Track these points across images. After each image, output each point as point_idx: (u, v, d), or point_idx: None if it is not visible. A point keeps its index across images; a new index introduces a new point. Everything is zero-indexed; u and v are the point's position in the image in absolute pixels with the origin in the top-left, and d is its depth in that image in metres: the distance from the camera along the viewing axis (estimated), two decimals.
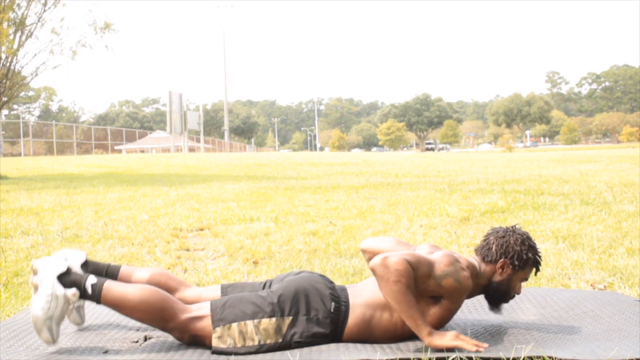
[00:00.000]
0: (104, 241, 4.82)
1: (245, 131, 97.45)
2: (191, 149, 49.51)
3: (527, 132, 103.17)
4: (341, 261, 4.01)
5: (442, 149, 78.65)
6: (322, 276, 2.38)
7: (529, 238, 2.39)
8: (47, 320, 2.14)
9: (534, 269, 2.42)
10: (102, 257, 4.22)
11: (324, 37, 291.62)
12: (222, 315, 2.23)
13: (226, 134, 61.74)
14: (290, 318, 2.23)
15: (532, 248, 2.38)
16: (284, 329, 2.22)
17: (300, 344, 2.21)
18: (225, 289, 2.46)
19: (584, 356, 2.04)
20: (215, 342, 2.20)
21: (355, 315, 2.27)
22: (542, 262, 2.43)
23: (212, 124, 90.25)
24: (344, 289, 2.35)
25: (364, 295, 2.31)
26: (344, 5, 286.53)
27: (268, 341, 2.20)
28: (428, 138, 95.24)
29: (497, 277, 2.38)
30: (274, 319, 2.22)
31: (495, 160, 23.11)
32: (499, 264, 2.36)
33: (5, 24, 14.85)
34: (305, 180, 12.10)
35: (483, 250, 2.41)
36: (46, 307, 2.14)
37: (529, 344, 2.19)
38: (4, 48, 15.19)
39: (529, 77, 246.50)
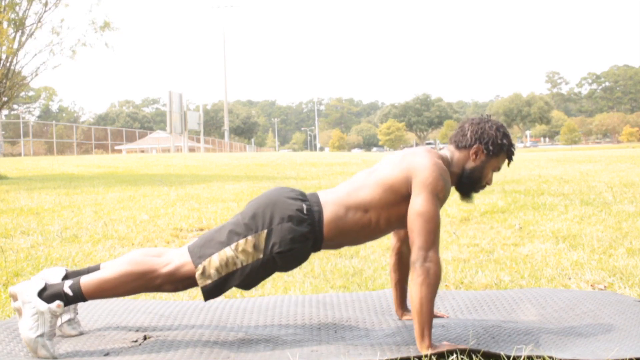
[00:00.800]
0: (104, 241, 4.82)
1: (245, 131, 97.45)
2: (191, 149, 49.51)
3: (527, 132, 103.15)
4: (341, 261, 4.01)
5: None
6: (289, 187, 2.38)
7: (503, 126, 2.40)
8: (39, 339, 2.13)
9: (507, 159, 2.42)
10: (102, 257, 4.22)
11: (324, 37, 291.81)
12: (200, 252, 2.24)
13: (226, 134, 61.74)
14: (265, 231, 2.22)
15: (507, 136, 2.39)
16: (262, 243, 2.21)
17: (282, 254, 2.21)
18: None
19: (584, 356, 2.04)
20: (200, 281, 2.21)
21: (329, 214, 2.27)
22: (515, 152, 2.42)
23: (212, 124, 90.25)
24: (314, 194, 2.36)
25: (337, 194, 2.32)
26: (344, 5, 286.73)
27: (250, 261, 2.21)
28: (428, 138, 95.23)
29: (470, 164, 2.39)
30: (249, 237, 2.22)
31: None
32: (472, 150, 2.37)
33: (5, 24, 14.85)
34: (306, 181, 12.10)
35: (457, 137, 2.41)
36: (34, 325, 2.14)
37: (529, 344, 2.19)
38: (4, 48, 15.19)
39: (529, 77, 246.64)
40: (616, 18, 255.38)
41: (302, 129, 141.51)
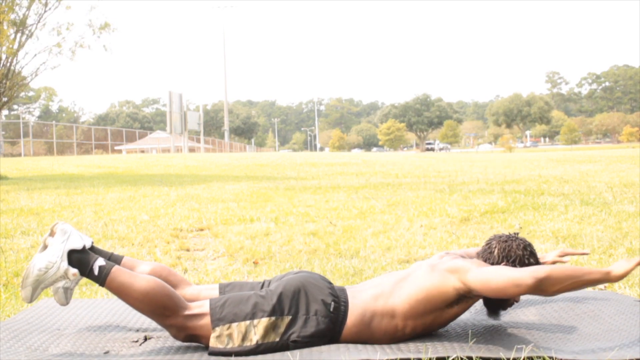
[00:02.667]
0: (104, 241, 4.82)
1: (245, 131, 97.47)
2: (191, 149, 49.51)
3: (527, 133, 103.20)
4: (341, 261, 4.01)
5: (443, 149, 78.61)
6: (321, 276, 2.38)
7: (530, 245, 2.41)
8: (36, 281, 2.16)
9: None
10: None
11: (324, 37, 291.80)
12: (221, 315, 2.22)
13: (226, 134, 61.75)
14: (289, 317, 2.22)
15: (534, 255, 2.39)
16: (282, 328, 2.21)
17: (297, 344, 2.21)
18: (223, 288, 2.46)
19: (584, 356, 2.04)
20: (213, 342, 2.20)
21: (354, 316, 2.27)
22: None
23: (212, 124, 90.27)
24: (343, 290, 2.35)
25: (364, 297, 2.30)
26: (344, 5, 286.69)
27: (265, 341, 2.20)
28: (428, 138, 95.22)
29: None
30: (272, 318, 2.21)
31: (495, 160, 23.11)
32: None
33: (5, 24, 14.85)
34: (305, 181, 12.10)
35: (485, 254, 2.42)
36: (44, 270, 2.17)
37: (529, 344, 2.19)
38: (4, 48, 15.19)
39: (529, 77, 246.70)
40: (616, 18, 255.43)
41: (302, 129, 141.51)
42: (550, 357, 2.03)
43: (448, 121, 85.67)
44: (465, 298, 2.27)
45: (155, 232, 5.21)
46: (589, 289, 3.20)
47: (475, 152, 53.63)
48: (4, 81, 15.36)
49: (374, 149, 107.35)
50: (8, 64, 15.51)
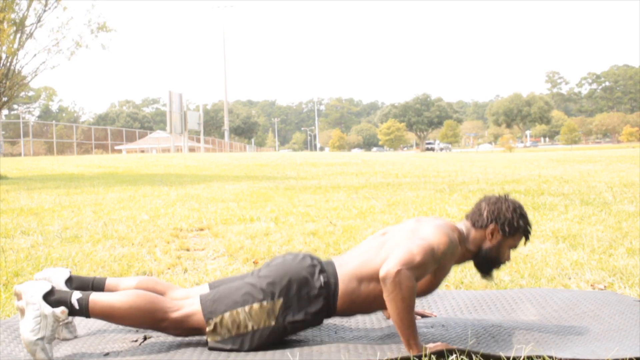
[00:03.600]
0: (104, 241, 4.82)
1: (245, 131, 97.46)
2: (191, 149, 49.50)
3: (527, 132, 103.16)
4: None
5: (443, 149, 78.55)
6: (308, 254, 2.38)
7: (520, 207, 2.41)
8: (39, 341, 2.12)
9: (524, 238, 2.43)
10: (102, 257, 4.22)
11: (324, 37, 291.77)
12: (213, 307, 2.23)
13: (226, 134, 61.74)
14: (282, 300, 2.23)
15: (523, 216, 2.39)
16: (277, 311, 2.22)
17: (294, 324, 2.22)
18: (213, 286, 2.46)
19: (584, 356, 2.04)
20: (209, 335, 2.21)
21: (344, 287, 2.28)
22: (531, 232, 2.43)
23: (212, 124, 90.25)
24: (330, 263, 2.36)
25: (352, 266, 2.31)
26: (344, 5, 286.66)
27: (261, 325, 2.20)
28: (428, 138, 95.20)
29: (487, 243, 2.39)
30: (265, 303, 2.22)
31: (495, 160, 23.11)
32: (489, 230, 2.38)
33: (5, 24, 14.85)
34: (305, 181, 12.10)
35: (474, 216, 2.42)
36: (36, 328, 2.13)
37: (529, 344, 2.19)
38: (4, 48, 15.19)
39: (529, 77, 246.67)
40: (616, 18, 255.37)
41: (302, 129, 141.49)
42: (550, 357, 2.03)
43: (448, 121, 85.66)
44: None
45: (155, 232, 5.21)
46: (589, 289, 3.20)
47: (475, 152, 53.65)
48: (4, 81, 15.36)
49: (374, 148, 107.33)
50: (8, 64, 15.51)
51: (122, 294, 2.24)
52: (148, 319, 2.21)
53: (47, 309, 2.15)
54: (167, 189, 9.83)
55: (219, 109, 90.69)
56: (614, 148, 50.05)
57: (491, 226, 2.37)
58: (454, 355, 2.07)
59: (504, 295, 2.97)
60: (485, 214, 2.39)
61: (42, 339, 2.12)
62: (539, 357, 2.05)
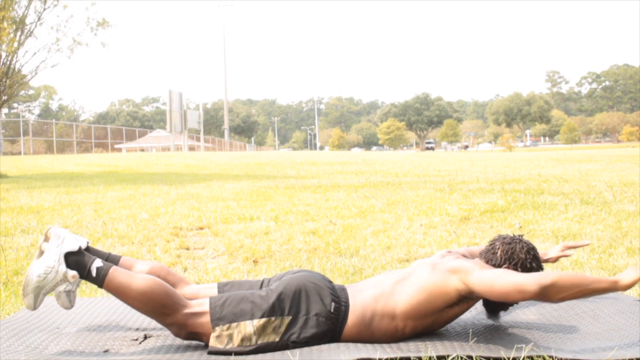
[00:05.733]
0: (104, 240, 4.82)
1: (245, 130, 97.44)
2: (191, 148, 49.49)
3: (527, 132, 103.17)
4: (341, 260, 4.01)
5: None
6: (322, 275, 2.37)
7: (534, 249, 2.41)
8: (37, 288, 2.15)
9: None
10: None
11: (324, 37, 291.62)
12: (221, 314, 2.22)
13: (226, 133, 61.72)
14: (290, 318, 2.22)
15: (536, 259, 2.39)
16: (283, 328, 2.21)
17: (297, 344, 2.21)
18: (222, 287, 2.45)
19: (584, 356, 2.04)
20: (212, 342, 2.20)
21: (355, 317, 2.26)
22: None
23: (212, 123, 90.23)
24: (343, 289, 2.34)
25: (365, 297, 2.29)
26: (344, 5, 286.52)
27: (265, 341, 2.20)
28: (428, 137, 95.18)
29: None
30: (273, 318, 2.21)
31: (495, 159, 23.11)
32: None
33: (5, 23, 14.84)
34: (305, 180, 12.10)
35: (488, 255, 2.42)
36: (42, 275, 2.16)
37: (529, 344, 2.19)
38: (4, 46, 15.19)
39: (529, 76, 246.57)
40: (616, 18, 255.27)
41: (302, 128, 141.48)
42: (550, 357, 2.03)
43: (448, 120, 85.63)
44: (466, 299, 2.27)
45: (155, 231, 5.21)
46: None
47: (476, 152, 53.64)
48: (4, 79, 15.36)
49: (374, 148, 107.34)
50: (8, 62, 15.51)
51: (142, 277, 2.24)
52: (157, 310, 2.21)
53: (62, 267, 2.18)
54: (167, 188, 9.83)
55: (219, 108, 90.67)
56: (613, 147, 50.04)
57: (504, 266, 2.36)
58: (454, 355, 2.07)
59: None
60: (499, 253, 2.39)
61: (41, 287, 2.16)
62: (539, 356, 2.05)
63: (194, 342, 2.32)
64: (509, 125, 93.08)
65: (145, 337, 2.39)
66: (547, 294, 2.10)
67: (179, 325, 2.23)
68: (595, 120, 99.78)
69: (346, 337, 2.26)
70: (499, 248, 2.40)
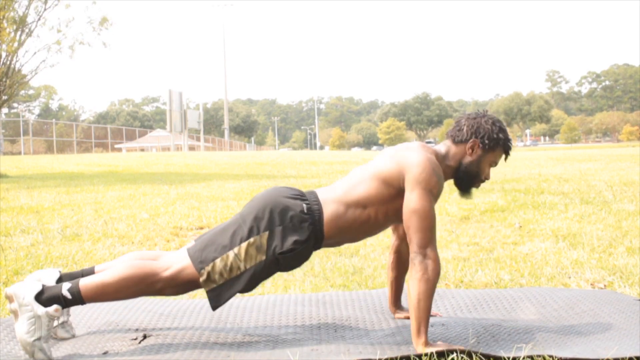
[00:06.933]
0: (104, 239, 4.82)
1: (245, 130, 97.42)
2: (191, 148, 49.48)
3: (527, 131, 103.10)
4: (341, 260, 4.01)
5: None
6: (288, 187, 2.39)
7: (499, 121, 2.42)
8: (35, 342, 2.11)
9: (504, 153, 2.43)
10: (101, 255, 4.22)
11: (324, 37, 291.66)
12: (202, 256, 2.23)
13: (226, 133, 61.69)
14: (267, 232, 2.22)
15: (503, 130, 2.40)
16: (264, 245, 2.22)
17: (285, 254, 2.21)
18: (198, 239, 2.45)
19: (584, 355, 2.04)
20: (204, 285, 2.21)
21: (329, 212, 2.28)
22: (511, 146, 2.43)
23: (212, 123, 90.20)
24: (312, 192, 2.37)
25: (336, 193, 2.33)
26: (344, 5, 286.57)
27: (253, 263, 2.21)
28: (428, 137, 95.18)
29: (467, 158, 2.40)
30: (251, 239, 2.22)
31: None
32: (469, 144, 2.39)
33: (5, 22, 14.84)
34: (305, 179, 12.10)
35: (454, 131, 2.43)
36: (31, 329, 2.12)
37: (529, 343, 2.19)
38: (4, 46, 15.18)
39: (529, 76, 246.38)
40: (616, 17, 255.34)
41: (302, 127, 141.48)
42: (550, 356, 2.03)
43: (448, 120, 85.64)
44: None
45: (155, 231, 5.21)
46: (588, 288, 3.20)
47: None
48: (4, 79, 15.35)
49: (374, 147, 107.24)
50: (8, 62, 15.50)
51: (110, 270, 2.24)
52: (142, 285, 2.20)
53: (40, 310, 2.13)
54: (167, 188, 9.83)
55: (219, 108, 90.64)
56: (613, 147, 50.00)
57: (471, 140, 2.38)
58: (454, 355, 2.07)
59: (503, 295, 2.97)
60: (465, 128, 2.40)
61: (38, 339, 2.11)
62: (539, 356, 2.05)
63: (193, 340, 2.32)
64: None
65: (145, 337, 2.39)
66: (420, 269, 2.13)
67: (171, 285, 2.23)
68: (595, 120, 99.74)
69: (328, 234, 2.28)
70: (464, 124, 2.41)
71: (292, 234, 2.22)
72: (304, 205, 2.27)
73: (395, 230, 2.63)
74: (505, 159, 2.48)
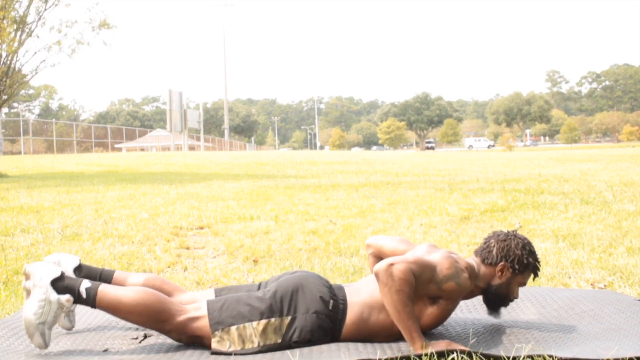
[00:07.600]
0: (104, 239, 4.82)
1: (245, 130, 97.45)
2: (191, 148, 49.47)
3: (527, 131, 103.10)
4: (341, 260, 4.01)
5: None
6: (319, 275, 2.38)
7: (529, 243, 2.41)
8: (39, 325, 2.12)
9: (533, 275, 2.43)
10: (102, 255, 4.22)
11: (324, 37, 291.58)
12: (219, 318, 2.22)
13: (226, 133, 61.69)
14: (289, 318, 2.22)
15: (532, 253, 2.39)
16: (284, 329, 2.21)
17: (299, 344, 2.21)
18: (219, 292, 2.45)
19: (584, 355, 2.04)
20: (215, 346, 2.20)
21: (353, 314, 2.27)
22: (540, 269, 2.44)
23: (212, 123, 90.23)
24: (341, 288, 2.36)
25: (362, 295, 2.31)
26: (344, 5, 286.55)
27: (267, 342, 2.20)
28: (428, 137, 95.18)
29: (496, 280, 2.38)
30: (272, 320, 2.21)
31: (495, 159, 23.11)
32: (498, 267, 2.37)
33: (5, 22, 14.84)
34: (305, 179, 12.10)
35: (483, 253, 2.41)
36: (39, 312, 2.12)
37: (529, 343, 2.19)
38: (4, 46, 15.19)
39: (529, 76, 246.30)
40: (616, 17, 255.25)
41: (302, 127, 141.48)
42: (550, 356, 2.03)
43: (448, 120, 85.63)
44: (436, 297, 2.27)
45: (155, 230, 5.21)
46: (588, 288, 3.20)
47: (475, 151, 53.65)
48: (4, 79, 15.36)
49: (374, 147, 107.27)
50: (8, 62, 15.50)
51: (131, 289, 2.23)
52: (153, 318, 2.20)
53: (53, 295, 2.15)
54: (167, 188, 9.83)
55: (219, 108, 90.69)
56: (614, 147, 50.01)
57: (501, 264, 2.36)
58: (454, 355, 2.07)
59: None
60: (495, 251, 2.38)
61: (43, 323, 2.13)
62: (539, 356, 2.05)
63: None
64: (509, 124, 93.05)
65: (145, 337, 2.39)
66: (386, 282, 2.12)
67: (178, 331, 2.22)
68: (595, 120, 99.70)
69: (346, 334, 2.27)
70: (494, 246, 2.39)
71: (312, 326, 2.22)
72: (331, 302, 2.27)
73: (368, 248, 2.63)
74: (534, 279, 2.48)
